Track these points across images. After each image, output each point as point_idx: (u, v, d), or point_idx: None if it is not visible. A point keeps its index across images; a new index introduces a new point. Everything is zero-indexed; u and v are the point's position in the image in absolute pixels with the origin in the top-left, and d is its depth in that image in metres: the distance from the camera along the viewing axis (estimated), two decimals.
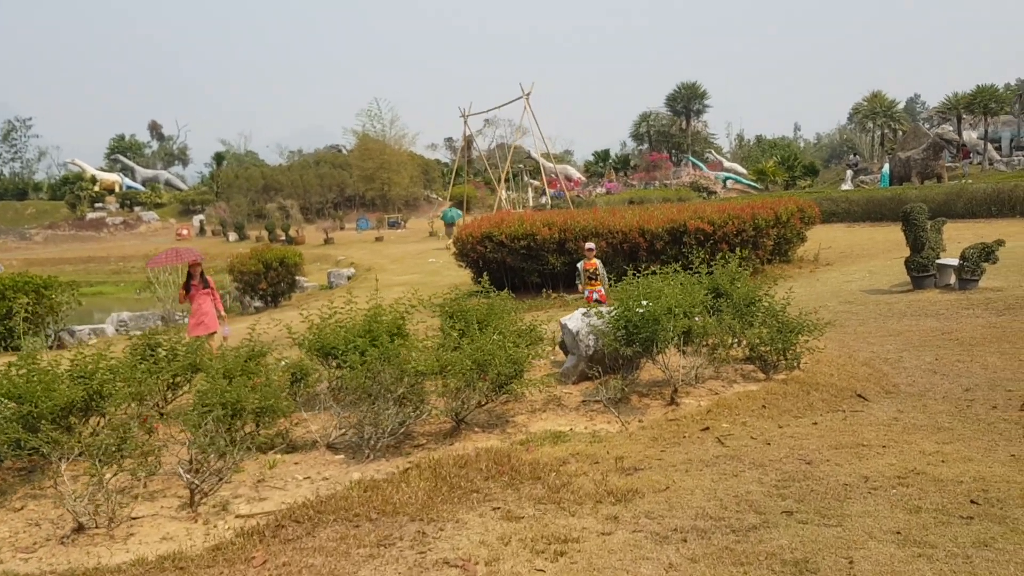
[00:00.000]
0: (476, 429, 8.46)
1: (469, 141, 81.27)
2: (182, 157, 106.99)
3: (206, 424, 6.64)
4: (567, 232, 20.13)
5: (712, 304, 10.16)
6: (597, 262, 15.17)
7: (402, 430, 7.88)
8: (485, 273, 22.63)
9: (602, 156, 77.67)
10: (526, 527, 5.50)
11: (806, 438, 7.39)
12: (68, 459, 6.59)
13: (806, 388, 9.05)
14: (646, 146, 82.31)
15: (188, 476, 6.33)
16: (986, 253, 15.10)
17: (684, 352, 9.27)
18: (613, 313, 8.77)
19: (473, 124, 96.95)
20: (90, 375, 8.32)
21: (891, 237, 26.74)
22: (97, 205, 74.93)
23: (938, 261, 16.01)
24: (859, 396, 8.88)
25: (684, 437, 7.68)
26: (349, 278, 35.08)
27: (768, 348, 9.25)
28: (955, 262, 15.61)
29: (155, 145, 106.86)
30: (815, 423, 7.93)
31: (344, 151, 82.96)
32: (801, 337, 9.34)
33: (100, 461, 6.36)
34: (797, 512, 5.52)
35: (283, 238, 53.47)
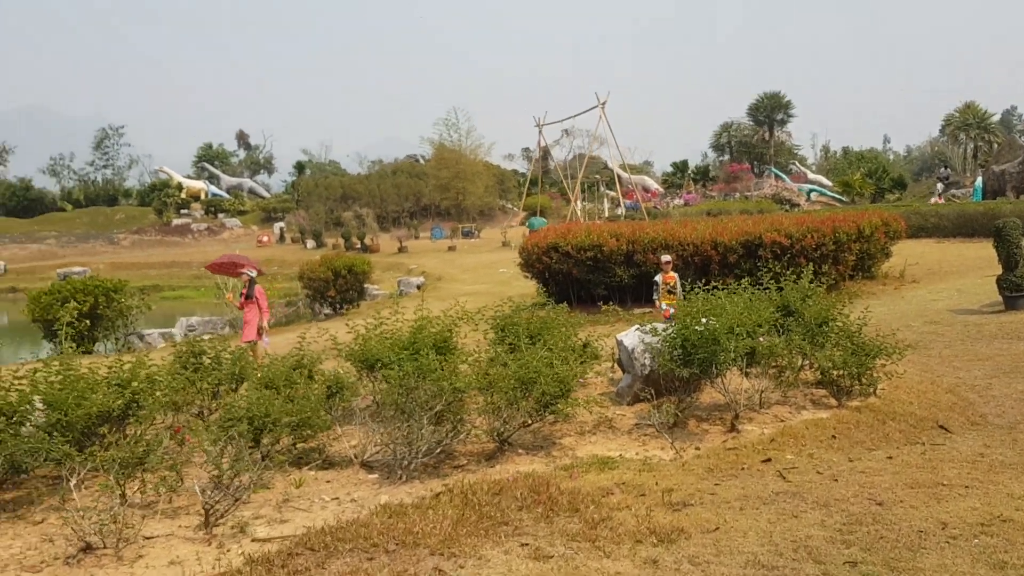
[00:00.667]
0: (520, 451, 7.96)
1: (545, 151, 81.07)
2: (267, 166, 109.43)
3: (224, 440, 6.30)
4: (635, 244, 19.48)
5: (781, 323, 9.47)
6: (675, 275, 14.54)
7: (439, 450, 7.44)
8: (546, 284, 22.18)
9: (680, 167, 76.41)
10: (553, 569, 4.97)
11: (879, 474, 6.66)
12: (79, 474, 6.34)
13: (882, 417, 8.28)
14: (727, 157, 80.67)
15: (204, 495, 5.99)
16: None
17: (748, 374, 8.59)
18: (669, 331, 8.16)
19: (550, 134, 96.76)
20: (126, 383, 8.12)
21: (983, 254, 25.21)
22: (183, 211, 76.99)
23: None
24: (941, 427, 8.09)
25: (742, 469, 7.02)
26: (419, 287, 34.99)
27: (841, 372, 8.49)
28: None
29: (242, 154, 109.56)
30: (890, 457, 7.18)
31: (421, 161, 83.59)
32: (878, 360, 8.57)
33: (117, 476, 6.09)
34: (862, 563, 4.86)
35: (359, 246, 53.89)
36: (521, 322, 10.47)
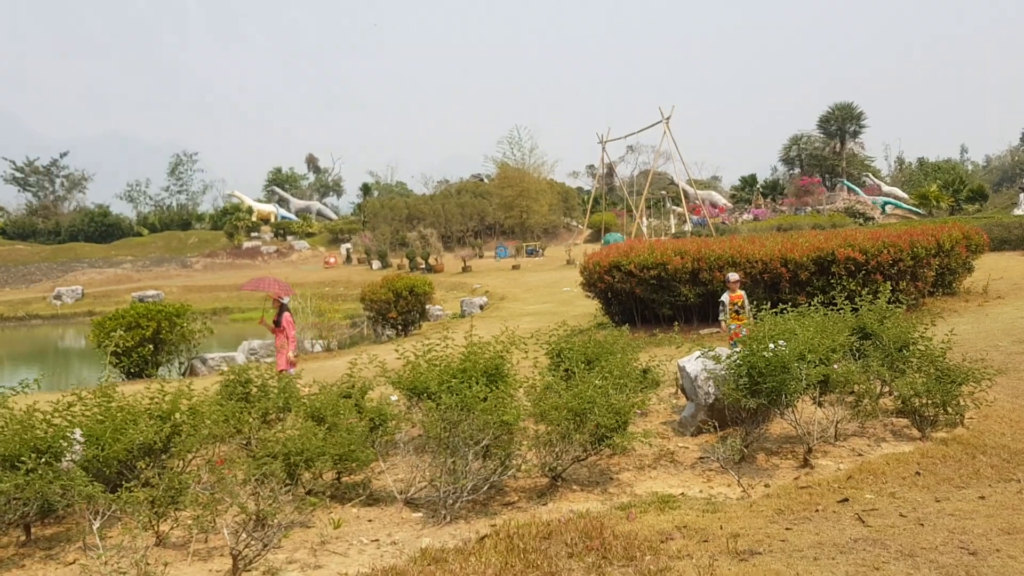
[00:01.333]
0: (574, 486, 7.47)
1: (611, 168, 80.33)
2: (336, 188, 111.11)
3: (257, 478, 5.96)
4: (701, 262, 18.80)
5: (857, 346, 8.80)
6: (743, 294, 13.92)
7: (485, 487, 6.98)
8: (608, 304, 21.61)
9: (749, 181, 74.95)
10: None
11: (970, 517, 5.99)
12: (105, 515, 6.07)
13: (971, 451, 7.53)
14: (797, 170, 78.81)
15: (233, 539, 5.65)
16: None
17: (821, 404, 7.93)
18: (734, 357, 7.57)
19: (615, 151, 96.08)
20: (167, 415, 7.89)
21: None
22: (253, 235, 78.48)
23: None
24: None
25: (816, 511, 6.40)
26: (481, 307, 34.73)
27: (924, 400, 7.77)
28: None
29: (312, 177, 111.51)
30: (982, 497, 6.48)
31: (485, 180, 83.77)
32: (965, 387, 7.83)
33: (149, 516, 5.80)
34: None
35: (423, 266, 54.07)
36: (577, 346, 9.98)
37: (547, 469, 7.35)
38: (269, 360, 21.79)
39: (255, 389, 9.54)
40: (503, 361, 8.89)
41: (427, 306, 29.89)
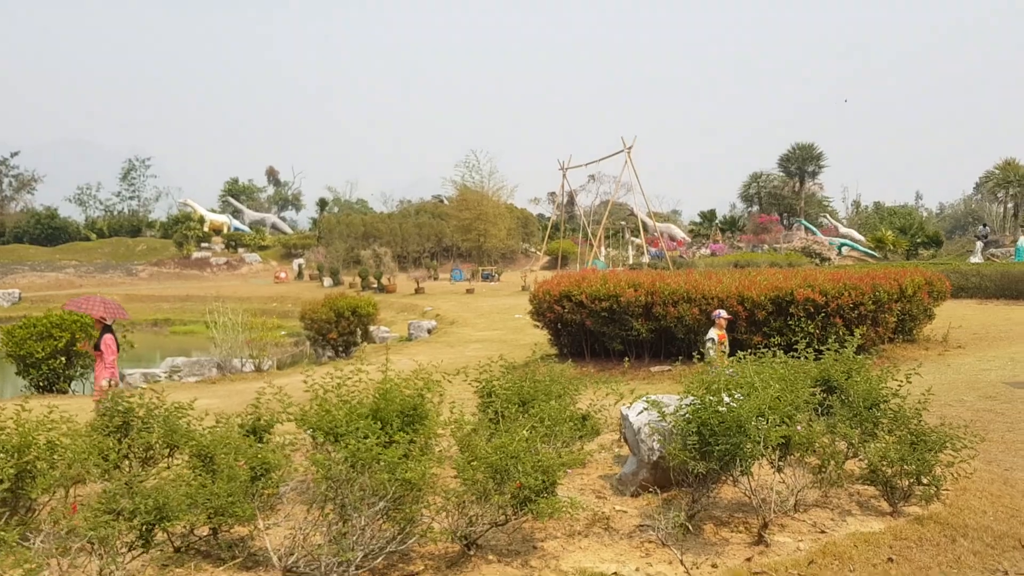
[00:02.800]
0: (491, 556, 6.34)
1: (572, 196, 79.76)
2: (296, 202, 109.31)
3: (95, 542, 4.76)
4: (655, 295, 17.86)
5: (821, 400, 7.83)
6: (724, 333, 13.10)
7: (381, 557, 5.83)
8: (558, 336, 20.57)
9: (708, 216, 74.86)
10: None
11: None
12: None
13: (950, 533, 6.55)
14: (756, 208, 79.01)
15: None
16: None
17: (780, 468, 6.90)
18: (683, 411, 6.49)
19: (577, 179, 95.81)
20: (17, 450, 6.65)
21: None
22: (203, 245, 76.57)
23: None
24: None
25: None
26: (430, 331, 33.51)
27: (897, 470, 6.77)
28: None
29: (271, 190, 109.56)
30: None
31: (445, 201, 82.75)
32: (942, 455, 6.86)
33: None
34: None
35: (375, 285, 52.83)
36: (511, 385, 8.89)
37: (459, 535, 6.22)
38: (192, 379, 20.37)
39: (137, 420, 8.27)
40: (422, 400, 7.76)
41: (371, 328, 28.65)
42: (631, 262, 56.23)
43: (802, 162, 75.45)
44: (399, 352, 28.78)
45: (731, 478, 6.40)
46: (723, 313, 13.33)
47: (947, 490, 7.11)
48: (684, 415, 6.40)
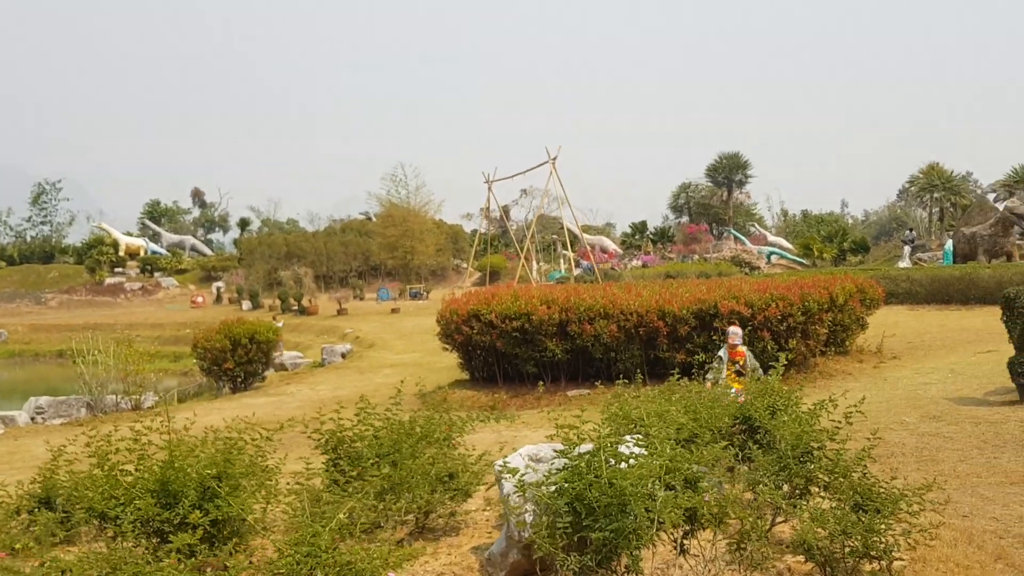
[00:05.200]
0: None
1: (506, 210, 78.15)
2: (223, 224, 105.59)
3: None
4: (569, 312, 16.34)
5: (742, 443, 6.28)
6: (746, 351, 11.53)
7: None
8: (470, 359, 18.87)
9: (639, 228, 74.13)
10: None
11: None
12: None
13: None
14: (686, 218, 78.69)
15: None
16: None
17: (685, 550, 5.21)
18: (551, 477, 4.74)
19: (510, 194, 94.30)
20: None
21: (966, 324, 22.52)
22: (117, 270, 73.39)
23: None
24: None
25: None
26: (344, 355, 31.57)
27: (839, 545, 5.13)
28: None
29: (196, 212, 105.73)
30: None
31: (373, 218, 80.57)
32: (893, 520, 5.28)
33: None
34: None
35: (296, 307, 50.59)
36: (367, 437, 7.17)
37: None
38: (58, 421, 18.11)
39: None
40: (229, 464, 5.94)
41: (276, 354, 26.57)
42: (563, 274, 54.92)
43: (729, 171, 75.33)
44: (302, 381, 26.75)
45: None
46: (733, 330, 11.87)
47: (902, 559, 5.52)
48: (553, 485, 4.69)
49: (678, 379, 7.89)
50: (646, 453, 5.01)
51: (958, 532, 6.30)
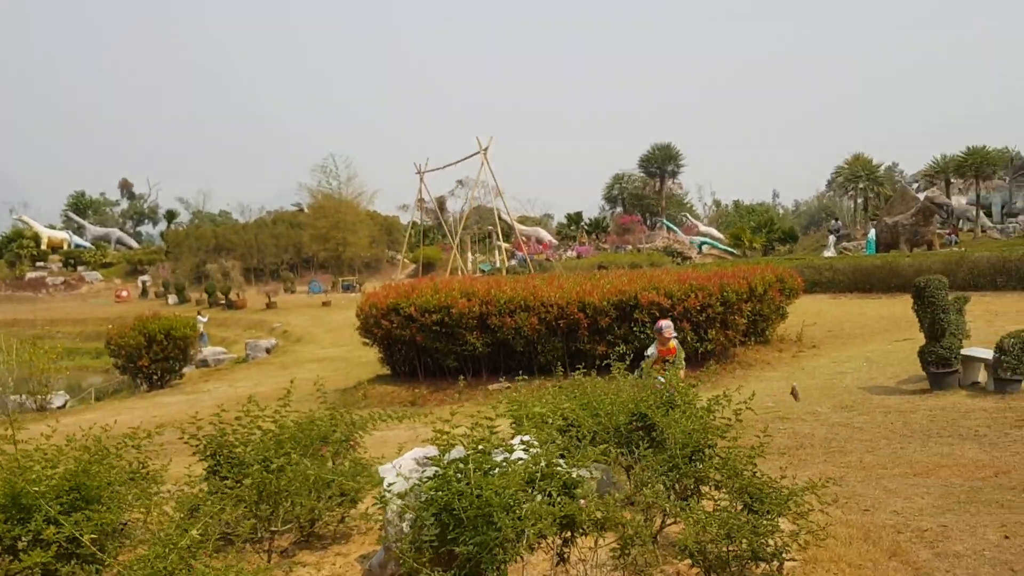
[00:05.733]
0: None
1: (442, 201, 77.69)
2: (152, 216, 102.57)
3: None
4: (489, 305, 16.09)
5: (638, 440, 6.07)
6: (678, 346, 11.07)
7: None
8: (390, 353, 18.49)
9: (575, 218, 74.26)
10: None
11: None
12: None
13: None
14: (620, 209, 79.09)
15: None
16: None
17: (565, 558, 4.96)
18: (422, 488, 4.45)
19: (445, 184, 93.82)
20: None
21: (885, 312, 22.87)
22: (39, 264, 70.83)
23: (963, 352, 11.97)
24: None
25: None
26: (268, 350, 30.83)
27: (726, 549, 4.94)
28: (987, 354, 11.60)
29: (124, 203, 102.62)
30: None
31: (305, 209, 79.26)
32: (783, 520, 5.13)
33: None
34: None
35: (223, 302, 49.40)
36: (252, 442, 6.78)
37: None
38: None
39: None
40: (88, 476, 5.49)
41: (193, 351, 25.78)
42: (494, 266, 54.67)
43: (662, 162, 75.92)
44: (222, 378, 26.05)
45: None
46: (664, 323, 11.16)
47: (794, 560, 5.36)
48: (421, 494, 4.40)
49: (626, 373, 7.51)
50: (527, 457, 4.74)
51: (855, 528, 6.18)
